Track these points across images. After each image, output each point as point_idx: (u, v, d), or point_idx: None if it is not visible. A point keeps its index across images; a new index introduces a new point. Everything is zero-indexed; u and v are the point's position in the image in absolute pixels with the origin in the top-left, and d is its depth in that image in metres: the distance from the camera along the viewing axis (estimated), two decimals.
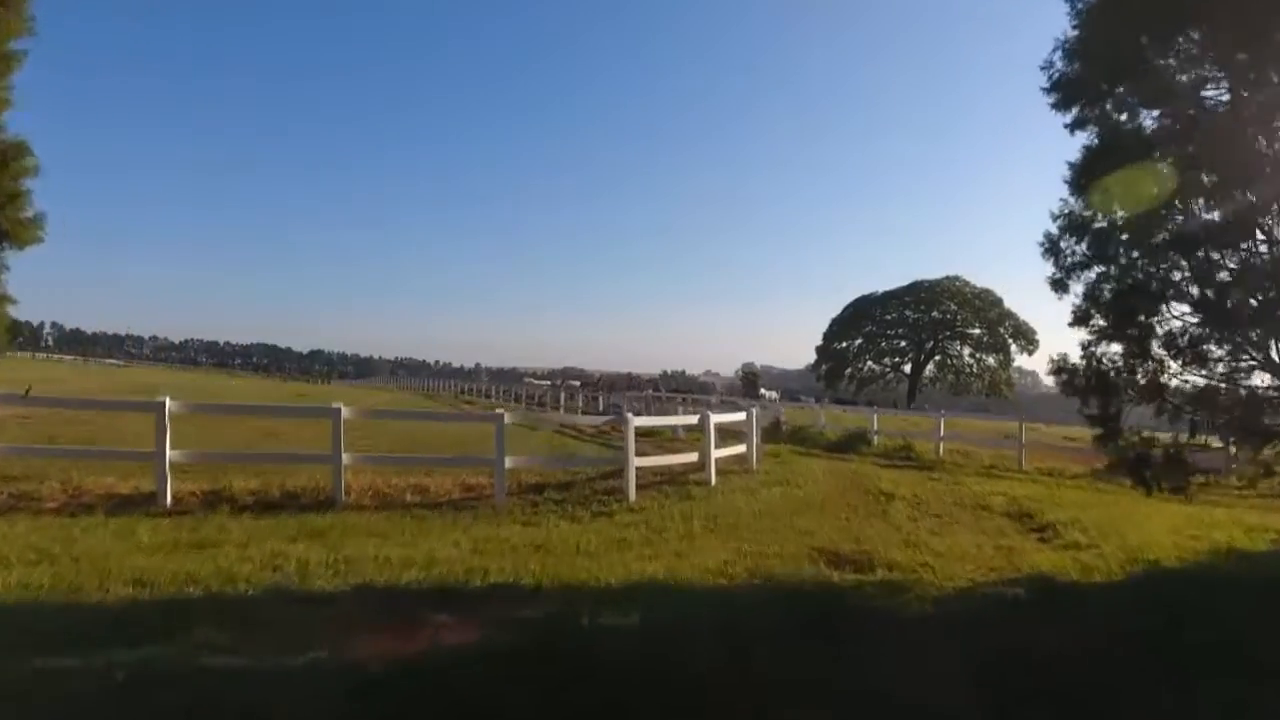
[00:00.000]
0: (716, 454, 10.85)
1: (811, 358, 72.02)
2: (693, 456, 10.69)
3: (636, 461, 9.55)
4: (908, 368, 68.35)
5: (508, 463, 8.81)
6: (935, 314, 64.62)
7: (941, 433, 16.65)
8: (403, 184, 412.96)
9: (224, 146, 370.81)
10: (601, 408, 24.46)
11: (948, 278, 65.12)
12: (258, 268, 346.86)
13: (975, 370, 64.01)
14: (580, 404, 25.99)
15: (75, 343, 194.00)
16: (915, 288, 65.49)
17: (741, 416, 12.23)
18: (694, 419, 11.03)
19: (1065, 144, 7.88)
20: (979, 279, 66.77)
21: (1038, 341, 62.97)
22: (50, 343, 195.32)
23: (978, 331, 63.81)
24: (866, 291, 69.18)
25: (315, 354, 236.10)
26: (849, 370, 67.43)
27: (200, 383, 43.18)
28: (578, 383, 45.29)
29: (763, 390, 46.37)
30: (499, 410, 8.68)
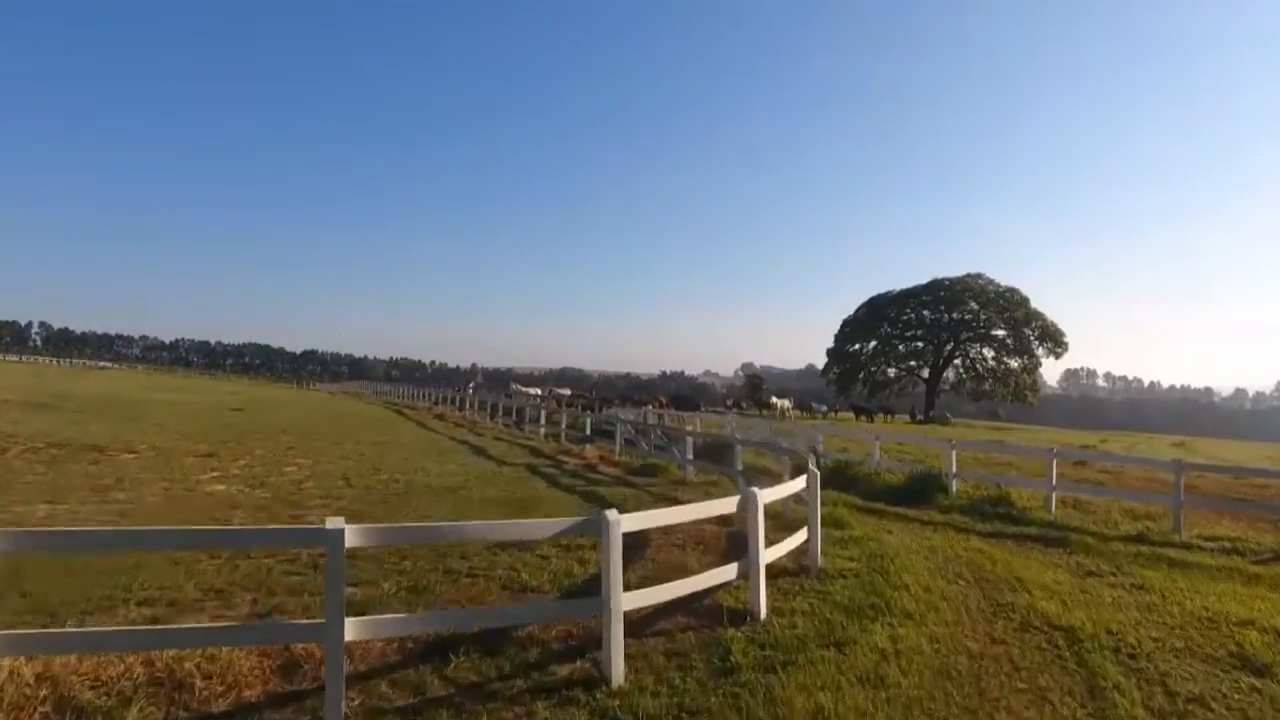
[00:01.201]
0: (767, 557, 6.29)
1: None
2: (729, 573, 6.07)
3: (627, 599, 4.98)
4: (925, 371, 64.00)
5: (350, 629, 4.20)
6: (955, 314, 60.14)
7: (1054, 479, 12.04)
8: (401, 184, 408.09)
9: (219, 147, 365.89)
10: (589, 430, 19.84)
11: (969, 275, 60.70)
12: (253, 268, 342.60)
13: (1000, 374, 59.43)
14: (564, 423, 21.33)
15: (64, 342, 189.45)
16: (934, 286, 61.02)
17: (800, 486, 7.61)
18: (731, 504, 6.38)
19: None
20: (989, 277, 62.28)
21: (1066, 344, 58.59)
22: (38, 342, 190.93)
23: (1002, 333, 59.29)
24: (882, 290, 64.84)
25: (309, 354, 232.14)
26: (862, 374, 62.91)
27: (127, 391, 38.46)
28: (567, 391, 40.66)
29: (774, 399, 41.66)
30: (334, 520, 3.90)
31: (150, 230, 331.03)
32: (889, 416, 55.35)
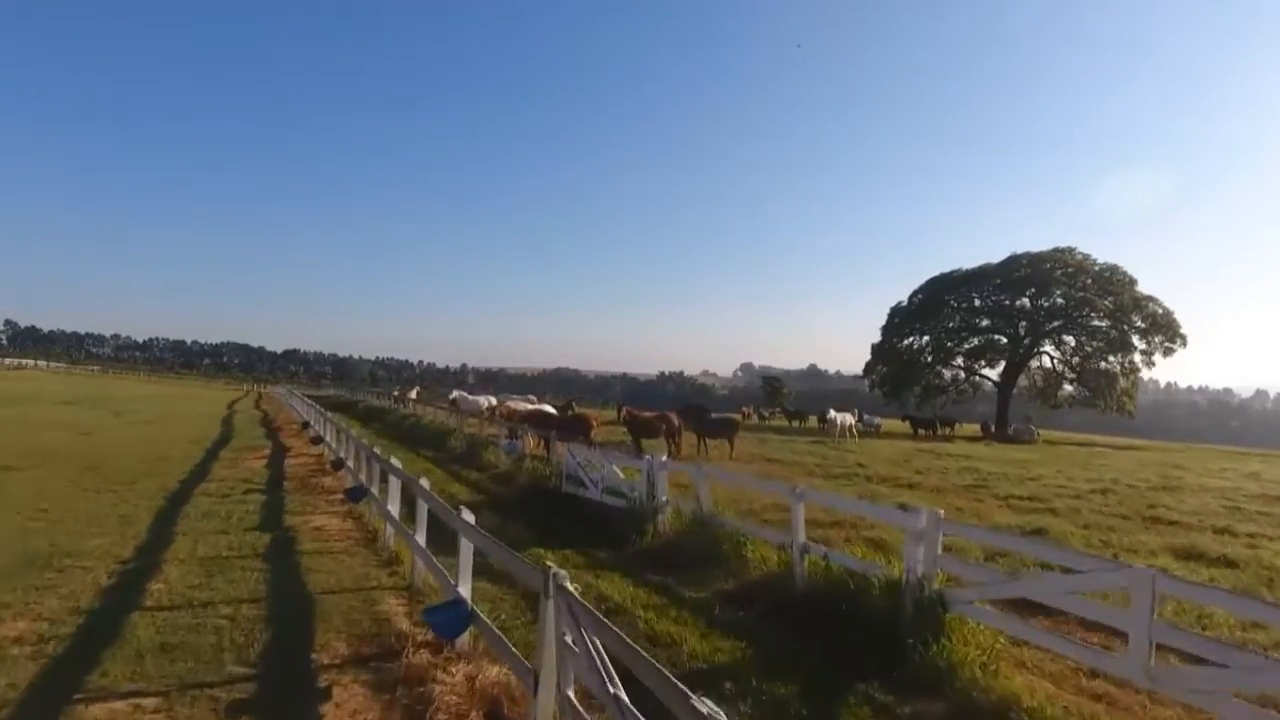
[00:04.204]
0: None
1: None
2: None
3: None
4: (993, 369, 51.17)
5: None
6: (1041, 300, 47.24)
7: None
8: (395, 183, 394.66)
9: (203, 145, 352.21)
10: (464, 571, 6.01)
11: (1058, 249, 47.70)
12: (246, 267, 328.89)
13: (1105, 376, 46.39)
14: (422, 533, 7.47)
15: (31, 341, 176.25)
16: (1012, 264, 48.09)
17: None
18: None
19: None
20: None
21: (1184, 337, 45.55)
22: (3, 341, 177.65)
23: (1104, 323, 46.24)
24: (937, 272, 51.84)
25: (290, 354, 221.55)
26: (920, 376, 49.85)
27: None
28: (530, 403, 27.57)
29: (831, 411, 28.45)
30: None
31: (136, 229, 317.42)
32: (949, 428, 42.66)
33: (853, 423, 29.74)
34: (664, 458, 9.96)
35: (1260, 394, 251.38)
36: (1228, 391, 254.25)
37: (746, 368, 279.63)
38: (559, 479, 12.68)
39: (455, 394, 30.66)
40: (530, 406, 23.01)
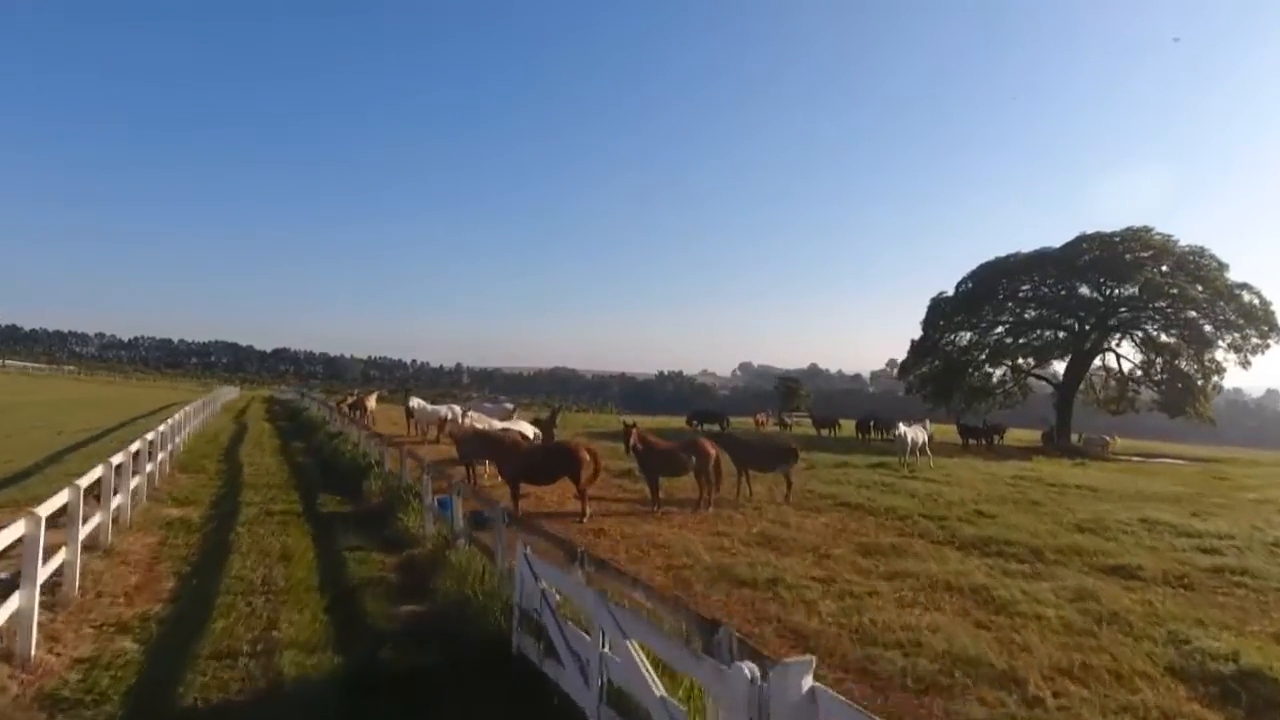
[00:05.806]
0: None
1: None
2: None
3: None
4: (1044, 368, 44.40)
5: None
6: (1117, 288, 40.38)
7: None
8: (390, 182, 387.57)
9: (199, 144, 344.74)
10: None
11: (1131, 229, 40.71)
12: (231, 265, 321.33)
13: (1190, 376, 39.47)
14: None
15: (12, 340, 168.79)
16: (1077, 248, 41.18)
17: None
18: None
19: None
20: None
21: None
22: None
23: (1192, 315, 39.32)
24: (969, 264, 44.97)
25: (280, 352, 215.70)
26: (969, 377, 42.93)
27: None
28: (507, 417, 20.63)
29: (901, 426, 21.77)
30: None
31: (131, 228, 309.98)
32: (999, 437, 35.95)
33: (925, 439, 22.80)
34: (751, 673, 2.97)
35: (1271, 394, 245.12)
36: (1238, 391, 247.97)
37: (746, 367, 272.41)
38: (506, 616, 5.78)
39: (414, 402, 23.65)
40: (498, 425, 16.00)
